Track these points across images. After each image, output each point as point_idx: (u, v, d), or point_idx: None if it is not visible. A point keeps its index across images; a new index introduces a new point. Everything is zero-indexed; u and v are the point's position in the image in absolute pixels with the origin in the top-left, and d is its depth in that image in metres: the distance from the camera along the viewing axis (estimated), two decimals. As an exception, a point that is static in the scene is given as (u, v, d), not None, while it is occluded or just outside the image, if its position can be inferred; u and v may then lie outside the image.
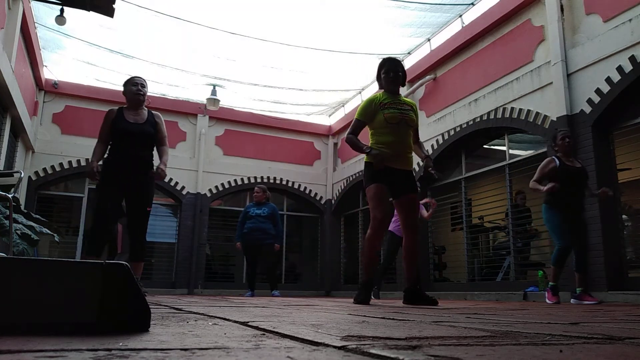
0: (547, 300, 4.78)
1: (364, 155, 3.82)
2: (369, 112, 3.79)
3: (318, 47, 8.30)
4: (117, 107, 4.20)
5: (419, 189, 4.02)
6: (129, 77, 4.40)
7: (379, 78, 3.95)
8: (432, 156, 8.16)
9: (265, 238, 7.57)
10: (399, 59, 4.09)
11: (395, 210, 6.95)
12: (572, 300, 4.79)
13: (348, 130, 3.88)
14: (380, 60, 3.99)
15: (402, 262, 3.94)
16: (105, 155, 4.08)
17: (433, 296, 3.65)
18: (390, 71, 3.85)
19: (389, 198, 3.79)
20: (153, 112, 4.25)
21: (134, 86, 4.18)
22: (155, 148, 4.22)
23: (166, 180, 10.11)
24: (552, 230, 4.88)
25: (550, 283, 4.85)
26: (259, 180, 11.01)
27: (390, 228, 7.08)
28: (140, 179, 4.01)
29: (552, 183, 4.74)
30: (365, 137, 3.86)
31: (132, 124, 4.05)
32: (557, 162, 4.86)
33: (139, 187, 4.01)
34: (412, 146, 3.85)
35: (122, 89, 4.29)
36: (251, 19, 7.58)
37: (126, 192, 4.00)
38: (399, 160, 3.72)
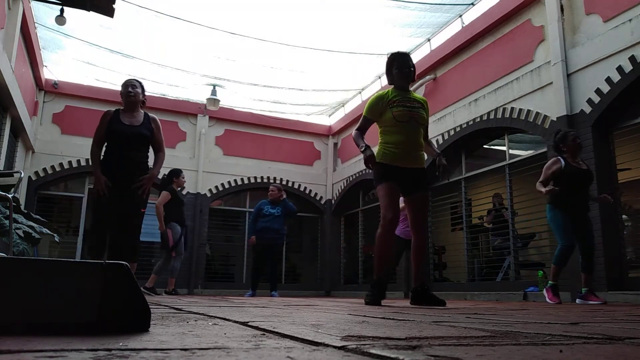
0: (549, 301, 4.74)
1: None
2: (376, 110, 3.69)
3: (318, 47, 8.30)
4: (114, 109, 4.17)
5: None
6: (127, 77, 4.40)
7: (389, 73, 3.83)
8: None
9: (277, 238, 7.63)
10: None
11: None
12: (577, 301, 4.78)
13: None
14: (390, 54, 3.86)
15: (412, 261, 3.80)
16: (101, 158, 4.06)
17: (440, 297, 3.59)
18: (404, 67, 3.76)
19: (399, 196, 3.70)
20: (150, 115, 4.20)
21: (125, 87, 4.14)
22: (151, 150, 4.19)
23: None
24: (555, 229, 4.85)
25: (550, 282, 4.82)
26: (259, 180, 11.02)
27: (396, 232, 7.11)
28: (134, 180, 3.97)
29: (551, 187, 4.71)
30: (375, 134, 3.79)
31: (127, 126, 4.01)
32: (563, 162, 4.80)
33: (132, 189, 3.97)
34: (422, 144, 3.75)
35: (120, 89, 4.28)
36: (251, 19, 7.58)
37: (121, 194, 3.96)
38: (410, 159, 3.63)
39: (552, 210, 4.85)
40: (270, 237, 7.56)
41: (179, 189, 7.30)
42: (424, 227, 3.74)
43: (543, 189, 4.79)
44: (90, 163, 4.10)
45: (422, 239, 3.71)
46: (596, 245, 5.26)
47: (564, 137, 4.93)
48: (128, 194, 3.97)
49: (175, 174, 7.18)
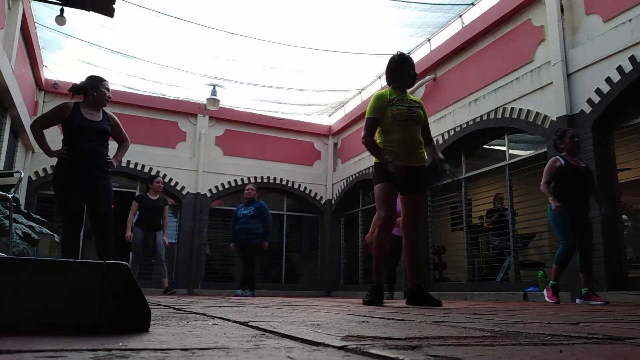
0: (547, 299, 4.78)
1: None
2: (379, 109, 3.72)
3: (318, 47, 8.30)
4: (72, 102, 4.17)
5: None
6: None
7: (400, 71, 3.84)
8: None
9: (251, 238, 7.60)
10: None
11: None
12: (577, 301, 4.78)
13: (363, 132, 3.73)
14: (401, 54, 3.91)
15: (405, 261, 3.83)
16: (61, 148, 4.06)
17: (437, 297, 3.60)
18: (413, 69, 3.87)
19: (396, 197, 3.73)
20: (107, 112, 4.30)
21: (107, 90, 4.27)
22: (109, 146, 4.23)
23: (166, 180, 10.15)
24: (557, 229, 4.86)
25: (551, 282, 4.83)
26: (259, 180, 11.02)
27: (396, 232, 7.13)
28: (99, 177, 3.99)
29: (557, 203, 4.68)
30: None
31: (90, 121, 4.08)
32: (563, 161, 4.83)
33: (99, 186, 3.98)
34: (421, 141, 3.79)
35: (87, 83, 4.24)
36: (251, 19, 7.58)
37: (87, 191, 3.96)
38: (410, 157, 3.66)
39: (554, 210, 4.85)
40: (244, 238, 7.59)
41: (156, 194, 7.54)
42: (415, 228, 3.76)
43: (551, 200, 4.77)
44: (36, 140, 4.12)
45: (411, 238, 3.73)
46: (596, 245, 5.26)
47: (562, 135, 4.99)
48: (96, 192, 3.97)
49: (149, 180, 7.61)
